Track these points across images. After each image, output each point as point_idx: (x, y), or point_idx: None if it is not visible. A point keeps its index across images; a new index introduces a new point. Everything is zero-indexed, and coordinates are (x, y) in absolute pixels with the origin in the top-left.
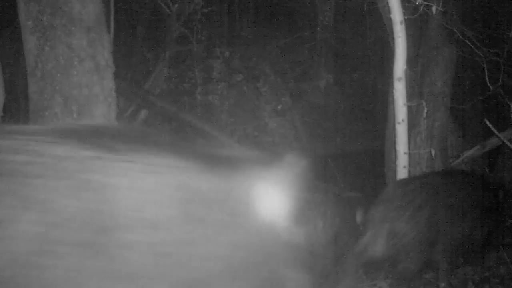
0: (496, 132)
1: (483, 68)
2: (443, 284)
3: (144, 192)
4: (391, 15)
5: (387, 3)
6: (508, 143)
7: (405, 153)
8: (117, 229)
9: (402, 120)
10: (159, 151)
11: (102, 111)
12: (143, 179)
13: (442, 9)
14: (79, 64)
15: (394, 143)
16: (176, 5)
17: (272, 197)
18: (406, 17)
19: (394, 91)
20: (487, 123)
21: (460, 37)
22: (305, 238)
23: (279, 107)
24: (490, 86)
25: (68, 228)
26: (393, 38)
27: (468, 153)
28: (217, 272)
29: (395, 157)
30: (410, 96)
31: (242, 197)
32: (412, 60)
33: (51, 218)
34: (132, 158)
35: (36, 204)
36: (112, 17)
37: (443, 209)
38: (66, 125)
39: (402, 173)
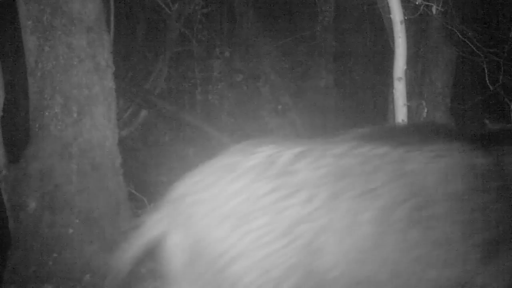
0: None
1: (483, 68)
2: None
3: (435, 173)
4: (391, 15)
5: (387, 3)
6: None
7: None
8: (425, 205)
9: (402, 120)
10: (441, 142)
11: (102, 111)
12: (432, 163)
13: (442, 9)
14: (79, 64)
15: None
16: (176, 5)
17: None
18: (406, 17)
19: (394, 91)
20: (487, 123)
21: (460, 37)
22: None
23: (279, 107)
24: (490, 86)
25: (393, 210)
26: (393, 38)
27: None
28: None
29: None
30: (410, 96)
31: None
32: (412, 60)
33: (380, 203)
34: (418, 149)
35: (367, 195)
36: (112, 17)
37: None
38: (367, 129)
39: None
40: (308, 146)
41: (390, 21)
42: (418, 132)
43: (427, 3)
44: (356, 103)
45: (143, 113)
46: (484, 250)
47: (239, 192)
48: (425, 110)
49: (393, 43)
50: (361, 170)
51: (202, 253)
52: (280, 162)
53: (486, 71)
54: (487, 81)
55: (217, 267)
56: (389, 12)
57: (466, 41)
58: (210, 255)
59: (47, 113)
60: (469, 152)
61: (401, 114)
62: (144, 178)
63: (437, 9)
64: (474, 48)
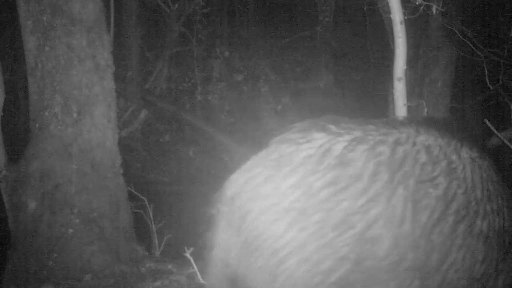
0: (496, 132)
1: (483, 68)
2: None
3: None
4: (391, 15)
5: (387, 3)
6: (508, 143)
7: None
8: (473, 202)
9: None
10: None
11: (102, 111)
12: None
13: (442, 9)
14: (79, 64)
15: None
16: (176, 5)
17: None
18: (406, 17)
19: (394, 91)
20: (487, 123)
21: (460, 37)
22: None
23: (279, 107)
24: (490, 86)
25: (450, 201)
26: (393, 38)
27: None
28: None
29: None
30: (410, 96)
31: None
32: (412, 60)
33: (438, 193)
34: (472, 146)
35: (426, 183)
36: (112, 17)
37: None
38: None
39: None
40: (360, 132)
41: (390, 21)
42: (468, 130)
43: (427, 3)
44: (356, 103)
45: (143, 113)
46: None
47: (295, 187)
48: (425, 110)
49: (393, 43)
50: (419, 159)
51: (259, 248)
52: (334, 152)
53: (486, 71)
54: (487, 81)
55: (273, 262)
56: (389, 12)
57: (466, 41)
58: (267, 250)
59: (47, 113)
60: None
61: (401, 114)
62: (144, 178)
63: (437, 9)
64: (474, 48)
